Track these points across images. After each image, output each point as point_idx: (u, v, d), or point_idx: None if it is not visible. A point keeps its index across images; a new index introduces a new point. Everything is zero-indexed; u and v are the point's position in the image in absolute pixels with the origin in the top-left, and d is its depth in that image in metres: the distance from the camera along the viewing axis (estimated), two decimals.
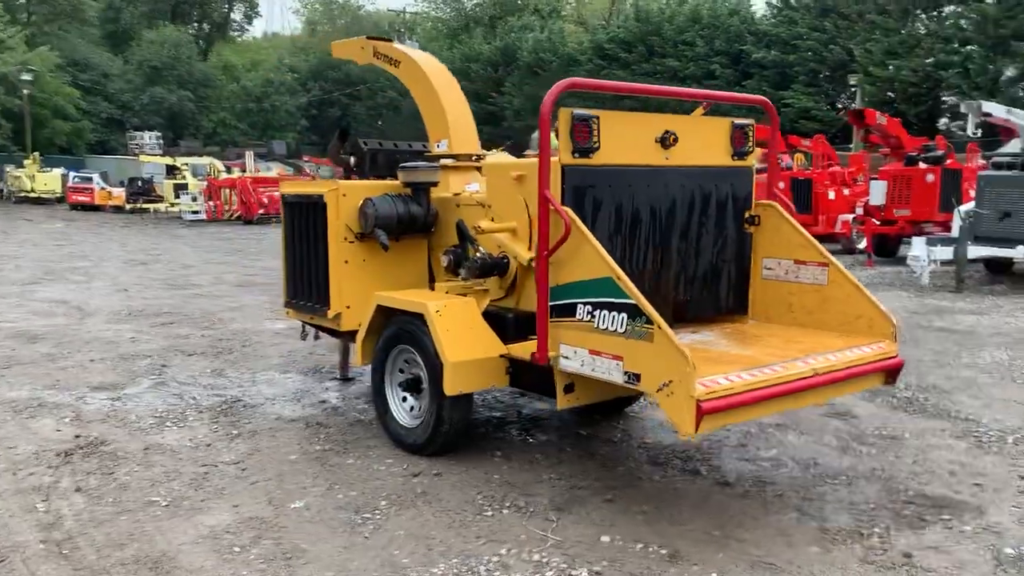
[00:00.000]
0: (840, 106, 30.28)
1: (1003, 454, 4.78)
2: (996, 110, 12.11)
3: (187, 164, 34.44)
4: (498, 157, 6.11)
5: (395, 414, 4.89)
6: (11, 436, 5.11)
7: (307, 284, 5.48)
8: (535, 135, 7.19)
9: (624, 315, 3.58)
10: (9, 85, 40.90)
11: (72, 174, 36.30)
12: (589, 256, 3.73)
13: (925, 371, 6.66)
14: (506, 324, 4.54)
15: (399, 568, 3.44)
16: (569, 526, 3.81)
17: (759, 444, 4.93)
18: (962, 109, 13.48)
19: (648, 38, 35.96)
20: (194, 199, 30.26)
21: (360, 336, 5.04)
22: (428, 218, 5.26)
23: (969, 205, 11.92)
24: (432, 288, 5.31)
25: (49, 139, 45.04)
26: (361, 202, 5.13)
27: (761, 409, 3.69)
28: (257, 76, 55.99)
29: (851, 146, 25.56)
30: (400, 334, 4.77)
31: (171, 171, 34.62)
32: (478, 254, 4.62)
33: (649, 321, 3.48)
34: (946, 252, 11.18)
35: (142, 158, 39.04)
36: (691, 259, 4.53)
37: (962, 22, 27.73)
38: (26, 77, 40.43)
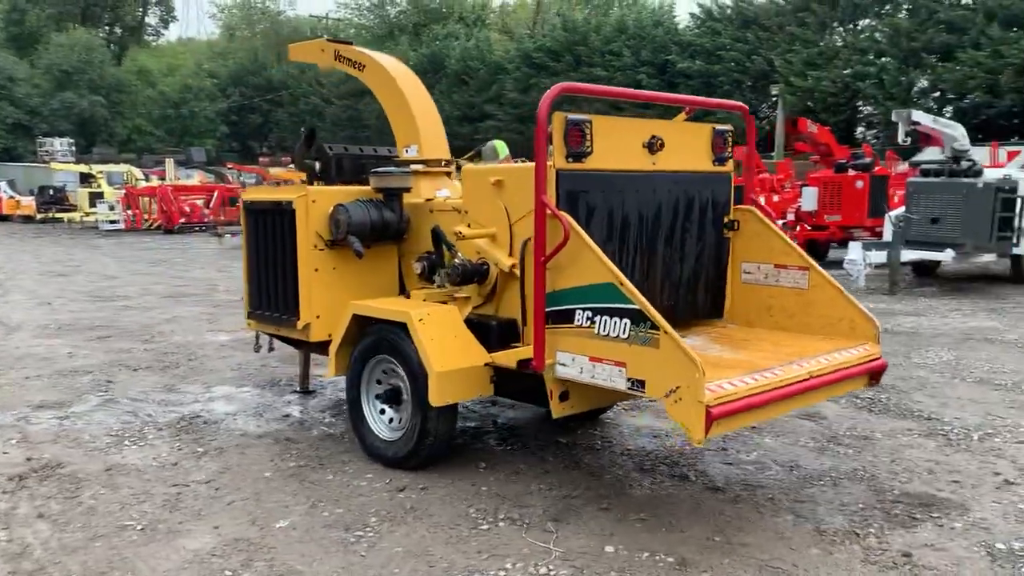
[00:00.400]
0: (763, 116, 31.09)
1: (972, 451, 4.91)
2: (924, 119, 12.60)
3: (102, 172, 33.25)
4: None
5: (373, 427, 4.74)
6: None
7: (273, 294, 5.27)
8: (488, 145, 7.15)
9: (627, 321, 3.54)
10: None
11: None
12: (589, 261, 3.68)
13: None
14: (488, 331, 4.45)
15: None
16: (570, 537, 3.74)
17: (739, 447, 4.96)
18: (893, 118, 13.98)
19: (575, 48, 36.30)
20: (111, 208, 29.20)
21: (334, 347, 4.87)
22: (401, 224, 5.14)
23: (899, 210, 12.35)
24: (404, 295, 5.19)
25: None
26: (332, 208, 4.98)
27: (763, 413, 3.69)
28: (175, 81, 54.48)
29: (772, 154, 26.25)
30: (379, 344, 4.62)
31: (85, 179, 33.40)
32: (456, 260, 4.53)
33: (654, 327, 3.45)
34: (880, 256, 11.55)
35: (54, 165, 37.53)
36: (676, 264, 4.52)
37: (877, 35, 28.83)
38: None
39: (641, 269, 4.34)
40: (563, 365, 3.84)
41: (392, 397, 4.66)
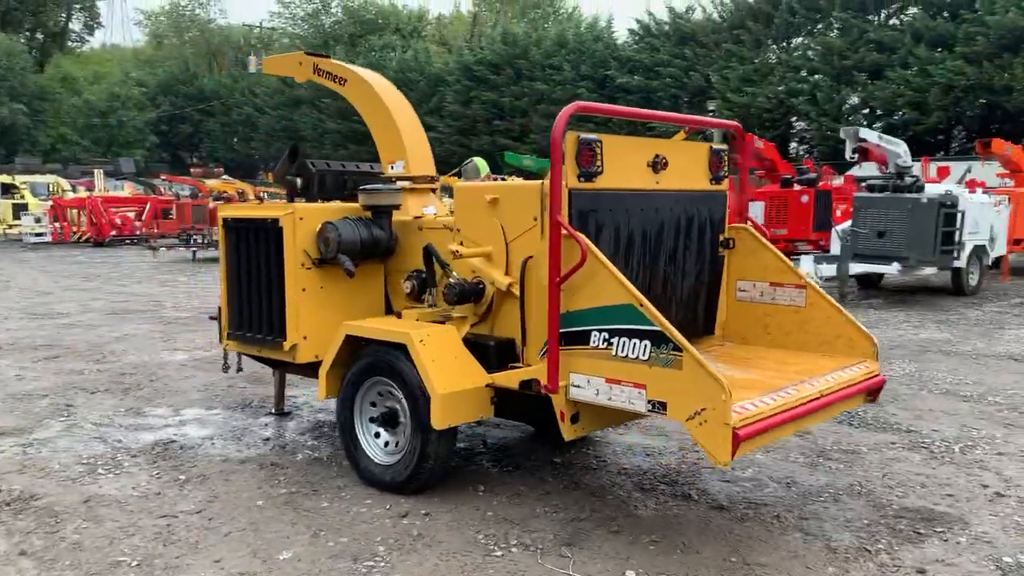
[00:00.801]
0: (703, 131, 31.62)
1: (957, 464, 5.03)
2: (870, 136, 12.99)
3: (26, 183, 31.97)
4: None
5: (367, 451, 4.61)
6: None
7: (256, 314, 5.10)
8: (470, 163, 7.08)
9: (647, 342, 3.51)
10: None
11: None
12: (606, 282, 3.64)
13: None
14: (486, 352, 4.38)
15: None
16: (587, 561, 3.68)
17: (734, 465, 4.97)
18: (841, 135, 14.36)
19: (515, 61, 36.44)
20: (38, 220, 28.07)
21: (324, 369, 4.72)
22: (391, 242, 5.03)
23: (846, 224, 12.68)
24: (389, 314, 5.08)
25: None
26: (320, 226, 4.84)
27: (780, 432, 3.70)
28: (101, 90, 52.80)
29: None
30: (375, 365, 4.50)
31: (7, 190, 32.02)
32: (452, 279, 4.45)
33: (677, 348, 3.42)
34: (831, 269, 11.82)
35: None
36: (677, 282, 4.53)
37: (810, 53, 29.69)
38: None
39: (643, 287, 4.32)
40: (577, 387, 3.79)
41: (388, 420, 4.53)
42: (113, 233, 26.57)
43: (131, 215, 27.37)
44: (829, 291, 12.22)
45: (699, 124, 4.87)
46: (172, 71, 56.64)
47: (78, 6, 62.28)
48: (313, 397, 6.58)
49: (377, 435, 4.61)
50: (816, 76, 28.68)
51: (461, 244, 4.50)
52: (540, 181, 4.19)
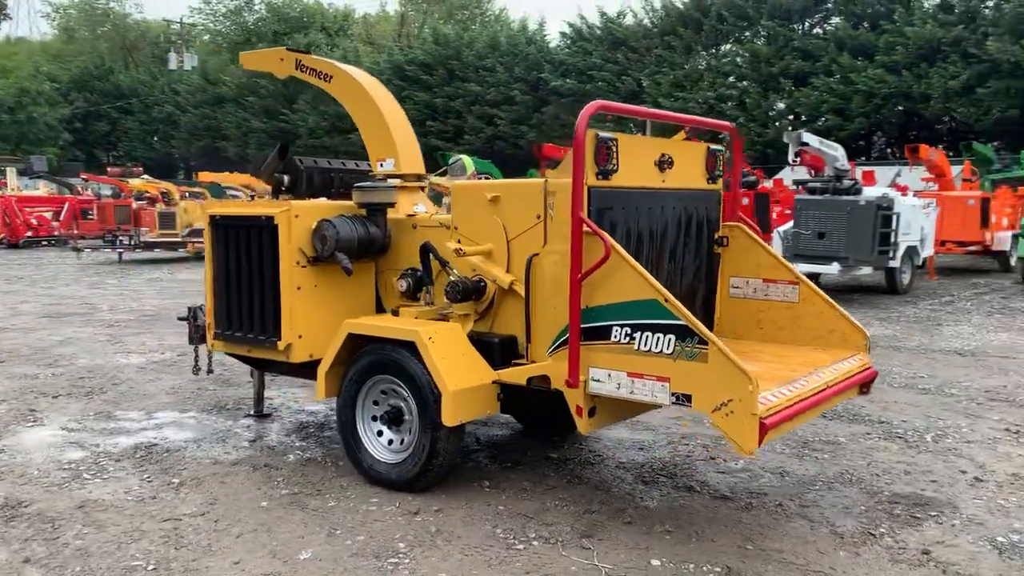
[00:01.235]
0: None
1: (933, 452, 5.27)
2: (811, 140, 13.44)
3: None
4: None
5: (370, 450, 4.57)
6: None
7: (248, 314, 5.00)
8: (457, 162, 7.09)
9: (672, 336, 3.59)
10: None
11: None
12: (629, 278, 3.70)
13: None
14: (490, 349, 4.41)
15: None
16: (609, 552, 3.74)
17: (724, 456, 5.11)
18: (784, 139, 14.80)
19: (448, 62, 36.37)
20: None
21: (324, 368, 4.67)
22: (385, 240, 5.00)
23: (787, 225, 13.08)
24: (386, 313, 5.05)
25: None
26: (316, 224, 4.79)
27: (799, 421, 3.83)
28: (9, 84, 50.52)
29: None
30: (381, 363, 4.47)
31: None
32: (454, 277, 4.46)
33: (702, 341, 3.51)
34: None
35: None
36: (679, 278, 4.62)
37: (738, 59, 30.51)
38: None
39: None
40: (597, 381, 3.84)
41: (393, 418, 4.51)
42: (29, 234, 25.58)
43: (48, 215, 26.39)
44: None
45: (693, 124, 4.98)
46: (85, 66, 54.62)
47: None
48: (291, 398, 6.48)
49: (380, 433, 4.57)
50: (744, 82, 29.48)
51: (459, 242, 4.52)
52: (542, 179, 4.24)
